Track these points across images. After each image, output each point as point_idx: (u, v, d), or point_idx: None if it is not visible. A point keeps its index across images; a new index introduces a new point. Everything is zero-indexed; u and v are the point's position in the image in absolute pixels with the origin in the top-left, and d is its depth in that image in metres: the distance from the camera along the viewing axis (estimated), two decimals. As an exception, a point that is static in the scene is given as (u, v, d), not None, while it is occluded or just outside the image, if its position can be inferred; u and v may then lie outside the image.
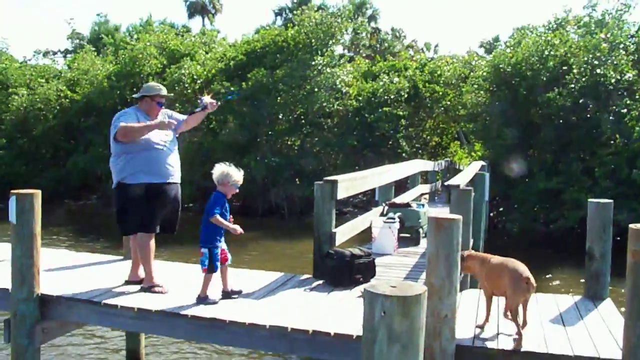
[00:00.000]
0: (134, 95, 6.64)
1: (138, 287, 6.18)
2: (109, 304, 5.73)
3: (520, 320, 5.12)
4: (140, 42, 23.34)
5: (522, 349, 4.87)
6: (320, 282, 6.74)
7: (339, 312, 5.67)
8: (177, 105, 21.39)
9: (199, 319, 5.44)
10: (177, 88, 21.14)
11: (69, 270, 7.11)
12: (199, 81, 21.48)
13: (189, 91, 21.33)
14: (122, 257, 7.77)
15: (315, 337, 5.12)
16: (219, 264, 5.81)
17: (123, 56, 23.19)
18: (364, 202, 22.00)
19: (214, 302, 5.71)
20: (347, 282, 6.61)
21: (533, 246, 15.91)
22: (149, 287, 6.09)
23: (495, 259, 5.41)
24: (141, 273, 6.29)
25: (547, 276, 12.81)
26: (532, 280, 5.05)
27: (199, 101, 6.70)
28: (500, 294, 5.30)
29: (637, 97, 16.38)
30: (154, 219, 6.15)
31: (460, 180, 7.68)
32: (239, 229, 5.81)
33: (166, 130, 6.15)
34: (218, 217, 5.69)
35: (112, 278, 6.59)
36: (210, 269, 5.72)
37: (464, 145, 29.33)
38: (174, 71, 21.35)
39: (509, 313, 5.15)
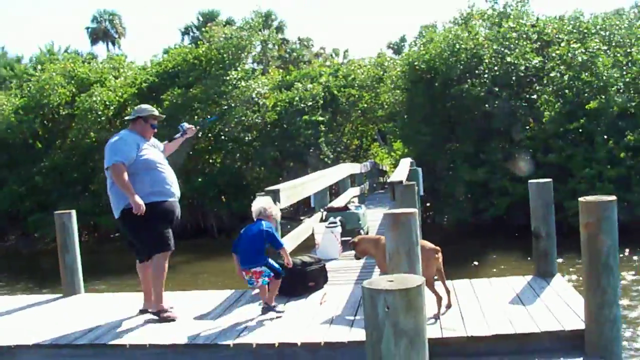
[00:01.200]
0: (126, 118, 6.47)
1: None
2: (58, 344, 5.46)
3: (443, 289, 5.58)
4: (45, 72, 22.50)
5: (490, 333, 4.90)
6: (274, 294, 6.62)
7: (301, 322, 5.57)
8: (91, 134, 20.83)
9: (158, 347, 5.24)
10: (89, 116, 20.52)
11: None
12: (111, 107, 20.92)
13: (103, 118, 20.72)
14: (61, 295, 7.47)
15: (282, 350, 5.03)
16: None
17: (29, 88, 22.34)
18: (291, 212, 21.90)
19: (281, 312, 5.86)
20: (302, 290, 6.54)
21: (465, 237, 16.21)
22: (158, 312, 5.94)
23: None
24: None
25: (486, 263, 13.06)
26: (439, 249, 5.50)
27: (179, 127, 6.68)
28: None
29: (544, 82, 16.90)
30: (169, 237, 6.08)
31: (400, 176, 7.70)
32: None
33: (157, 153, 6.21)
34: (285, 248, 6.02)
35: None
36: (277, 275, 5.85)
37: (383, 146, 29.68)
38: (85, 99, 20.69)
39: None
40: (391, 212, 4.85)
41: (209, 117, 18.39)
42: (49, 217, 18.98)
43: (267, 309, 5.87)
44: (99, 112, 20.65)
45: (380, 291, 2.48)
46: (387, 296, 2.46)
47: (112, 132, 20.73)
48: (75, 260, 7.57)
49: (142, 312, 6.19)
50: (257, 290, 6.88)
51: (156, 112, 6.32)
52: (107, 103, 20.86)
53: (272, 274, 5.79)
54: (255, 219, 5.91)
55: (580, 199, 4.80)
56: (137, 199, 5.75)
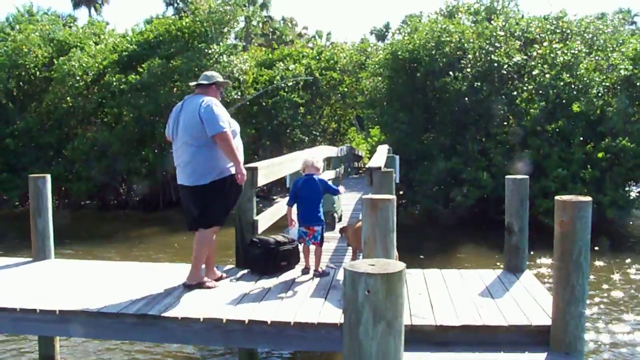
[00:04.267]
0: (196, 82, 6.21)
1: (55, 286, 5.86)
2: (27, 309, 5.41)
3: None
4: (22, 32, 22.05)
5: (459, 324, 4.96)
6: (245, 271, 6.63)
7: (271, 300, 5.58)
8: (68, 99, 20.56)
9: (126, 317, 5.22)
10: (67, 80, 20.22)
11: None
12: (90, 73, 20.62)
13: (81, 84, 20.42)
14: (31, 259, 7.40)
15: (251, 327, 5.03)
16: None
17: (5, 48, 21.89)
18: (264, 191, 21.90)
19: (328, 274, 6.37)
20: (273, 269, 6.54)
21: (436, 226, 16.35)
22: (197, 284, 5.97)
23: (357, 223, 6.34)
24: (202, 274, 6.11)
25: (455, 253, 13.18)
26: None
27: None
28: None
29: (525, 79, 17.02)
30: (229, 210, 6.22)
31: (378, 162, 7.73)
32: None
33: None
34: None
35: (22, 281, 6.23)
36: (322, 242, 6.36)
37: (360, 132, 29.76)
38: (63, 62, 20.35)
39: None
40: (369, 197, 4.88)
41: None
42: (18, 180, 18.93)
43: (319, 274, 6.38)
44: (77, 77, 20.35)
45: (361, 274, 2.49)
46: (369, 279, 2.48)
47: (90, 99, 20.80)
48: (47, 226, 7.48)
49: (187, 286, 6.01)
50: (229, 265, 6.93)
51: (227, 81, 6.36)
52: (86, 68, 20.56)
53: (319, 238, 6.32)
54: (303, 174, 6.44)
55: (557, 197, 4.85)
56: (243, 167, 5.94)
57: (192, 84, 6.33)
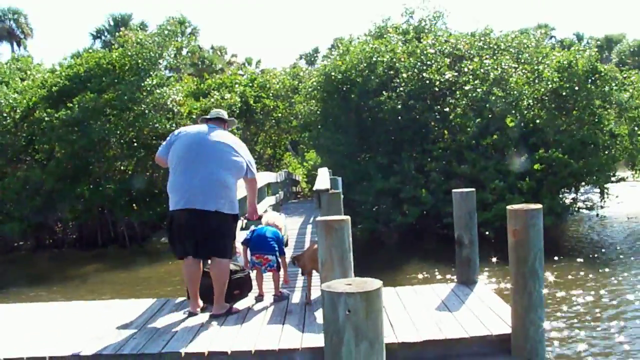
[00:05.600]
0: (220, 116, 6.51)
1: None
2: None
3: None
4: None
5: (421, 339, 4.97)
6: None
7: (229, 330, 5.50)
8: (-4, 138, 19.93)
9: (81, 358, 5.04)
10: (-6, 118, 19.62)
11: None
12: (18, 110, 20.04)
13: (9, 120, 19.83)
14: None
15: (211, 359, 4.92)
16: None
17: None
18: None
19: (287, 297, 6.59)
20: (227, 298, 6.44)
21: (378, 246, 16.43)
22: (226, 311, 6.05)
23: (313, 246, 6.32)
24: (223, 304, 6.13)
25: (402, 271, 13.23)
26: None
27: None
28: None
29: (457, 95, 17.35)
30: None
31: (325, 184, 7.74)
32: None
33: None
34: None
35: None
36: (279, 268, 6.49)
37: (295, 156, 29.84)
38: (-12, 100, 19.74)
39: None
40: (324, 219, 4.87)
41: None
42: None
43: (278, 298, 6.52)
44: (4, 114, 19.77)
45: (341, 294, 2.46)
46: (349, 299, 2.45)
47: (19, 136, 20.19)
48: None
49: (192, 315, 6.03)
50: (180, 298, 6.80)
51: None
52: (14, 105, 19.99)
53: (275, 266, 6.39)
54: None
55: (508, 207, 4.95)
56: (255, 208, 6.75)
57: (208, 116, 6.49)
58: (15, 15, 50.32)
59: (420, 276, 12.39)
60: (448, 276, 11.46)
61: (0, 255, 18.92)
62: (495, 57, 17.67)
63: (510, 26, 74.53)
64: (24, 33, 49.94)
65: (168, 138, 6.29)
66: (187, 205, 5.83)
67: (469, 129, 16.05)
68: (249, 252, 6.54)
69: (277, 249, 6.39)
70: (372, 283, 2.56)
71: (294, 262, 6.52)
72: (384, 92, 17.35)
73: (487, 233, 13.92)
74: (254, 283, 6.71)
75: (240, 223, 10.06)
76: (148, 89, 19.80)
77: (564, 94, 16.42)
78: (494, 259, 12.65)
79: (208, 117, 6.45)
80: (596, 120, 16.42)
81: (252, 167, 6.25)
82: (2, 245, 19.84)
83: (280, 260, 6.44)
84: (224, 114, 6.48)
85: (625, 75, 17.72)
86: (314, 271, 6.23)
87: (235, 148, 6.11)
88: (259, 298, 6.56)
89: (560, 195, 16.69)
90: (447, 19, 21.43)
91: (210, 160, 5.95)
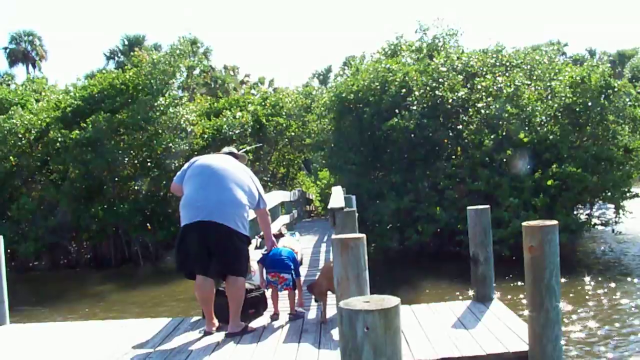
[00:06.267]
0: (233, 151, 6.77)
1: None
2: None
3: None
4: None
5: (437, 357, 4.94)
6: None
7: (244, 350, 5.48)
8: (11, 158, 20.10)
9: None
10: (9, 139, 19.79)
11: None
12: (33, 131, 20.23)
13: (24, 141, 20.02)
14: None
15: (228, 378, 4.92)
16: None
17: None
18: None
19: (303, 315, 6.62)
20: (243, 317, 6.43)
21: (393, 264, 16.36)
22: (242, 330, 6.05)
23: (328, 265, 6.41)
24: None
25: (417, 289, 13.16)
26: None
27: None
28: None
29: (470, 112, 17.35)
30: None
31: (339, 203, 7.74)
32: None
33: None
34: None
35: None
36: (295, 287, 6.52)
37: (308, 175, 29.85)
38: (4, 121, 19.91)
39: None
40: (339, 237, 4.85)
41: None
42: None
43: (294, 316, 6.54)
44: (20, 135, 19.96)
45: (359, 312, 2.46)
46: (367, 316, 2.44)
47: (34, 156, 20.39)
48: (0, 289, 7.23)
49: (207, 334, 6.07)
50: (196, 317, 6.80)
51: None
52: (29, 126, 20.18)
53: (291, 284, 6.41)
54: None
55: (524, 223, 4.93)
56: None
57: (221, 152, 6.70)
58: (30, 37, 51.01)
59: (435, 294, 12.31)
60: (464, 294, 11.39)
61: (15, 275, 18.95)
62: (507, 74, 17.67)
63: (522, 43, 74.54)
64: (39, 55, 50.55)
65: (183, 167, 6.35)
66: (207, 217, 5.80)
67: (484, 147, 16.00)
68: (264, 270, 6.55)
69: (293, 267, 6.40)
70: (390, 300, 2.55)
71: (309, 291, 6.51)
72: (396, 113, 17.27)
73: (502, 252, 13.83)
74: (269, 302, 6.69)
75: (255, 242, 10.09)
76: (161, 108, 19.93)
77: (577, 109, 16.38)
78: (510, 276, 12.56)
79: (221, 153, 6.66)
80: (610, 135, 16.37)
81: (263, 198, 6.42)
82: (17, 265, 19.91)
83: (295, 280, 6.43)
84: (235, 150, 6.74)
85: (639, 91, 17.66)
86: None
87: (250, 176, 6.35)
88: (275, 317, 6.55)
89: (575, 212, 16.59)
90: (461, 36, 21.35)
91: (227, 181, 6.01)
